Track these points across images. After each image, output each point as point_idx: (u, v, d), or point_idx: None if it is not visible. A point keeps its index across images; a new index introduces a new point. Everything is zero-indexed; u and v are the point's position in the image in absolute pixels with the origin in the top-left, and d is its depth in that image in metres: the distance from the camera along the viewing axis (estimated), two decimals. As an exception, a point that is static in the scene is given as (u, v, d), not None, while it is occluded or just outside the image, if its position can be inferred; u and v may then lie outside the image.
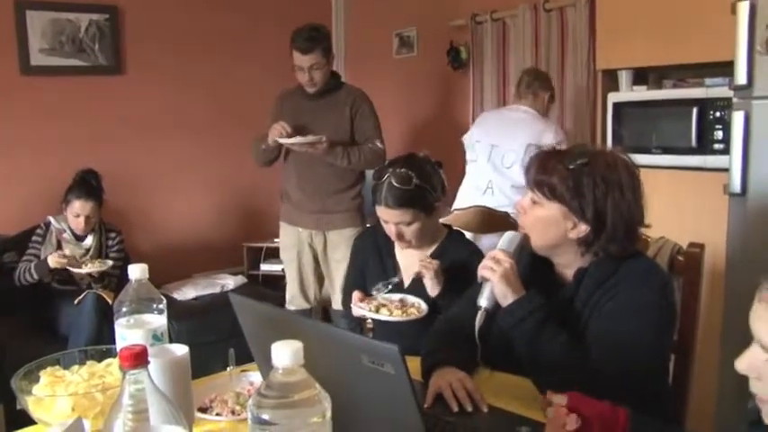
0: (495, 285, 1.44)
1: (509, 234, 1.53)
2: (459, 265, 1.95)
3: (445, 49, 4.09)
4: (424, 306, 1.87)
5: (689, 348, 1.67)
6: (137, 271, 1.30)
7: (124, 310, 1.29)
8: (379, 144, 3.06)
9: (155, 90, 4.17)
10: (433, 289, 1.90)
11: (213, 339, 2.97)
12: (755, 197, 2.15)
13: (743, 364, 0.93)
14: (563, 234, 1.45)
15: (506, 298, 1.43)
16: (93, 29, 3.94)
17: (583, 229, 1.43)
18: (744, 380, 0.97)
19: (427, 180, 1.94)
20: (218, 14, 4.37)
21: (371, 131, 3.08)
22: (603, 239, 1.43)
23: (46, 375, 1.35)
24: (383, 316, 1.84)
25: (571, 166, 1.42)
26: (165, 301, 1.32)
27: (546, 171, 1.45)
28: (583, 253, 1.47)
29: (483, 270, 1.46)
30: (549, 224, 1.45)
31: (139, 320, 1.29)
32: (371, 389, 1.01)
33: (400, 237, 1.97)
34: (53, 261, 3.14)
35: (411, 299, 1.91)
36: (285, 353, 0.76)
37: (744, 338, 0.95)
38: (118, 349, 1.30)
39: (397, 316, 1.83)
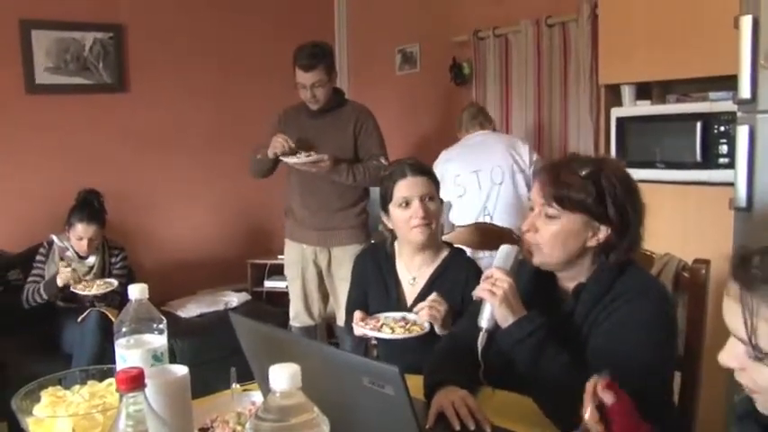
0: (496, 309, 1.42)
1: (505, 249, 1.51)
2: (459, 285, 1.94)
3: (448, 64, 4.11)
4: (426, 325, 1.84)
5: (696, 365, 1.65)
6: (136, 291, 1.29)
7: (124, 330, 1.28)
8: (383, 161, 3.05)
9: (159, 108, 4.20)
10: (441, 330, 1.84)
11: (217, 357, 2.95)
12: (761, 211, 2.13)
13: (724, 356, 0.95)
14: (582, 244, 1.45)
15: (507, 320, 1.42)
16: (97, 47, 3.98)
17: (603, 233, 1.43)
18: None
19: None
20: (221, 32, 4.41)
21: (376, 148, 3.07)
22: (627, 240, 1.43)
23: (47, 395, 1.35)
24: (386, 334, 1.82)
25: (584, 173, 1.42)
26: (165, 321, 1.31)
27: (562, 184, 1.43)
28: (598, 261, 1.46)
29: (482, 292, 1.44)
30: (568, 237, 1.44)
31: (139, 341, 1.28)
32: (372, 410, 1.00)
33: (427, 212, 1.94)
34: (61, 278, 3.13)
35: (412, 316, 1.88)
36: (283, 376, 0.75)
37: None
38: (117, 370, 1.29)
39: (399, 333, 1.81)
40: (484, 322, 1.46)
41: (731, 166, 2.34)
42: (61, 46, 3.87)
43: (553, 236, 1.44)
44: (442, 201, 2.05)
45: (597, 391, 1.10)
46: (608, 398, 1.09)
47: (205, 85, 4.35)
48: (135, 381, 0.80)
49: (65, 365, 3.00)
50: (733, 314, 0.91)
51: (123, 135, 4.09)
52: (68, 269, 3.13)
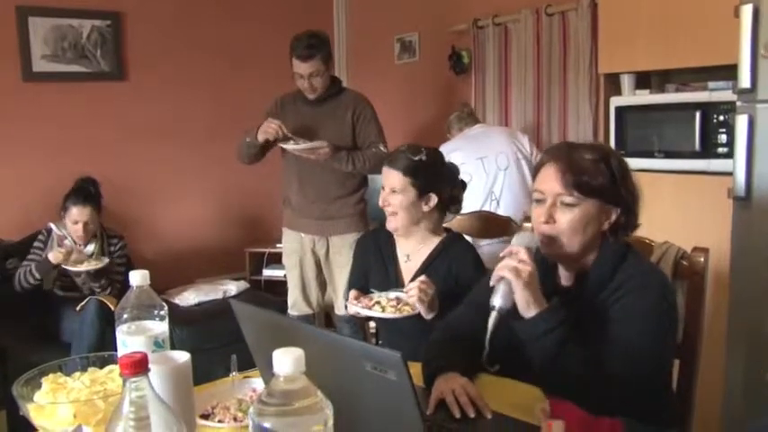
0: (519, 292, 1.37)
1: (527, 234, 1.49)
2: (453, 269, 2.00)
3: (447, 53, 4.09)
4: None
5: (694, 352, 1.66)
6: (137, 277, 1.29)
7: (125, 316, 1.28)
8: (382, 148, 3.05)
9: (156, 96, 4.18)
10: (428, 314, 1.87)
11: (216, 345, 2.97)
12: (760, 200, 2.13)
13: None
14: (599, 229, 1.46)
15: (529, 307, 1.37)
16: (95, 35, 3.96)
17: (615, 216, 1.46)
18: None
19: (432, 165, 2.08)
20: (219, 21, 4.39)
21: (374, 136, 3.07)
22: (632, 219, 1.47)
23: (48, 382, 1.34)
24: (376, 313, 1.86)
25: (593, 157, 1.44)
26: (166, 308, 1.31)
27: (580, 170, 1.43)
28: (606, 245, 1.47)
29: (504, 271, 1.38)
30: (588, 223, 1.44)
31: (141, 327, 1.28)
32: (373, 395, 1.01)
33: (385, 203, 2.05)
34: (54, 257, 3.13)
35: (404, 296, 1.91)
36: (286, 360, 0.75)
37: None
38: (119, 356, 1.29)
39: (390, 313, 1.84)
40: (498, 300, 1.39)
41: (730, 155, 2.34)
42: (58, 33, 3.85)
43: (572, 224, 1.44)
44: (428, 198, 2.06)
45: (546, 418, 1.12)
46: (559, 427, 1.11)
47: (203, 74, 4.34)
48: (139, 365, 0.80)
49: (64, 354, 2.94)
50: None
51: (121, 124, 4.07)
52: (64, 251, 3.13)
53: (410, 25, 4.46)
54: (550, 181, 1.45)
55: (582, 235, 1.44)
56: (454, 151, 3.31)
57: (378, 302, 1.89)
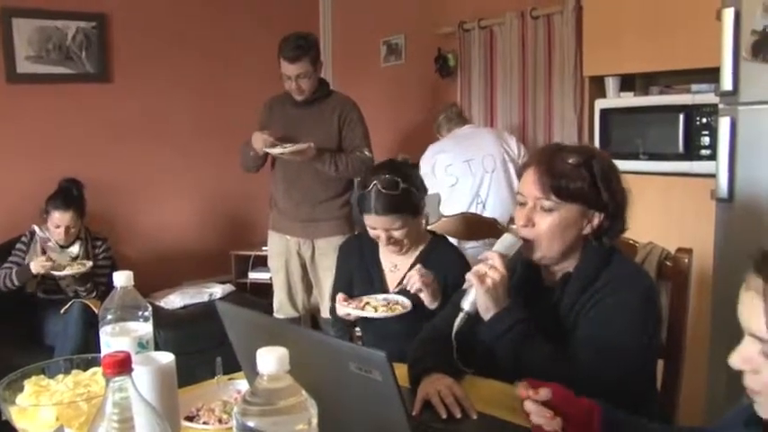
0: (480, 296, 1.42)
1: (509, 238, 1.49)
2: (442, 270, 1.96)
3: (433, 56, 4.10)
4: (408, 303, 1.87)
5: (678, 353, 1.68)
6: (122, 278, 1.28)
7: (109, 317, 1.27)
8: (367, 152, 3.05)
9: (142, 97, 4.16)
10: (432, 303, 1.88)
11: (201, 348, 2.95)
12: (742, 202, 2.16)
13: (736, 359, 0.90)
14: (579, 233, 1.46)
15: (488, 311, 1.42)
16: (80, 36, 3.93)
17: (596, 219, 1.45)
18: (733, 382, 0.95)
19: (411, 182, 1.99)
20: (205, 22, 4.37)
21: (359, 140, 3.07)
22: (618, 224, 1.46)
23: (30, 385, 1.33)
24: (368, 312, 1.84)
25: (576, 161, 1.43)
26: (150, 309, 1.31)
27: (559, 174, 1.43)
28: (585, 249, 1.47)
29: (472, 276, 1.43)
30: (567, 227, 1.44)
31: (124, 328, 1.27)
32: (359, 395, 1.00)
33: (391, 241, 1.98)
34: (36, 266, 3.11)
35: (394, 297, 1.92)
36: (270, 359, 0.74)
37: (732, 341, 0.94)
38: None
39: (381, 312, 1.83)
40: (466, 305, 1.45)
41: (713, 157, 2.36)
42: (43, 35, 3.82)
43: (551, 228, 1.44)
44: (421, 208, 2.03)
45: (532, 396, 1.11)
46: (545, 393, 1.11)
47: (189, 76, 4.32)
48: (122, 364, 0.79)
49: (47, 358, 2.92)
50: (752, 309, 0.87)
51: (106, 125, 4.05)
52: (44, 259, 3.11)
53: (396, 28, 4.47)
54: (530, 185, 1.46)
55: (561, 239, 1.45)
56: (441, 153, 3.33)
57: (367, 303, 1.88)
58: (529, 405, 1.11)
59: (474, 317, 1.45)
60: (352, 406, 1.02)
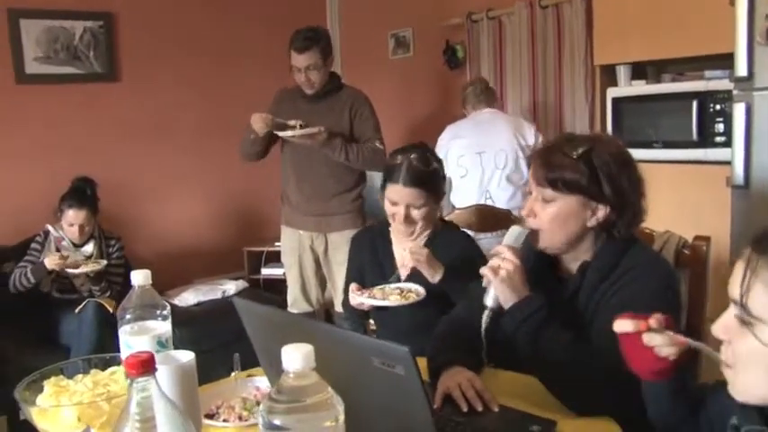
0: (496, 288, 1.43)
1: (515, 229, 1.50)
2: (454, 253, 1.96)
3: (441, 48, 4.08)
4: (422, 290, 1.87)
5: (698, 338, 1.66)
6: (140, 277, 1.28)
7: (128, 317, 1.27)
8: (378, 144, 3.04)
9: (151, 96, 4.16)
10: (433, 276, 1.88)
11: (216, 345, 2.95)
12: (758, 189, 2.14)
13: (718, 327, 0.93)
14: (582, 225, 1.44)
15: (508, 301, 1.42)
16: (87, 36, 3.93)
17: (602, 212, 1.43)
18: None
19: (441, 165, 2.02)
20: (212, 19, 4.36)
21: (371, 133, 3.05)
22: (627, 216, 1.43)
23: (50, 385, 1.34)
24: (383, 301, 1.84)
25: (576, 154, 1.41)
26: (168, 307, 1.31)
27: (555, 166, 1.43)
28: (600, 239, 1.46)
29: (486, 270, 1.43)
30: (568, 218, 1.44)
31: (144, 327, 1.27)
32: (381, 391, 1.00)
33: (408, 219, 1.96)
34: (50, 262, 3.11)
35: (408, 285, 1.91)
36: (296, 356, 0.74)
37: None
38: (122, 357, 1.28)
39: (395, 300, 1.83)
40: (489, 300, 1.46)
41: (728, 144, 2.34)
42: (51, 35, 3.82)
43: (552, 219, 1.44)
44: (442, 196, 2.03)
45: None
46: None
47: (197, 74, 4.31)
48: (146, 365, 0.79)
49: (63, 358, 2.93)
50: (735, 275, 0.90)
51: (115, 125, 4.05)
52: (61, 261, 3.12)
53: (404, 20, 4.45)
54: (531, 176, 1.48)
55: (563, 229, 1.45)
56: (456, 138, 3.29)
57: (382, 290, 1.88)
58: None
59: (498, 312, 1.45)
60: (374, 401, 1.01)
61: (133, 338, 1.24)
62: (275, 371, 1.18)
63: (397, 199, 1.95)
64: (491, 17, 3.79)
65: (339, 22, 4.95)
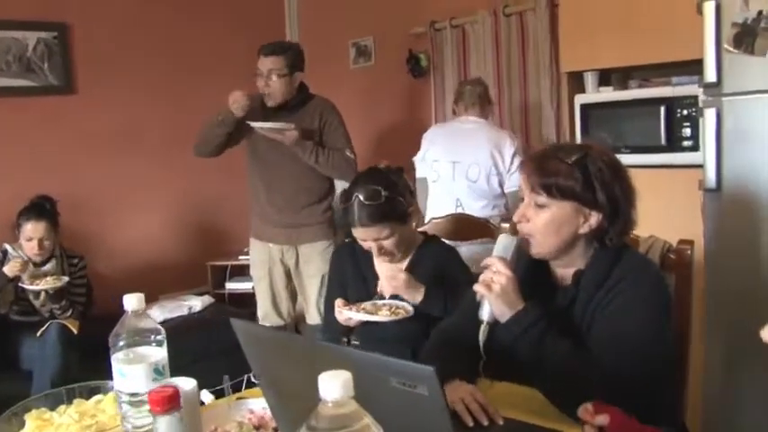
0: (491, 303, 1.42)
1: (505, 239, 1.49)
2: (438, 268, 1.97)
3: (404, 57, 4.09)
4: (410, 307, 1.86)
5: (685, 344, 1.68)
6: (133, 301, 1.22)
7: (120, 344, 1.21)
8: (349, 153, 3.02)
9: (109, 108, 4.05)
10: (414, 298, 1.88)
11: (185, 362, 2.82)
12: (730, 192, 2.18)
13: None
14: (575, 231, 1.44)
15: (504, 315, 1.41)
16: (41, 47, 3.80)
17: (595, 219, 1.43)
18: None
19: (394, 189, 1.94)
20: (171, 29, 4.28)
21: (342, 142, 3.03)
22: (618, 224, 1.44)
23: (32, 419, 1.28)
24: (371, 316, 1.81)
25: (570, 161, 1.42)
26: (164, 332, 1.25)
27: (549, 172, 1.43)
28: (592, 247, 1.47)
29: (480, 287, 1.43)
30: (561, 224, 1.44)
31: (138, 354, 1.21)
32: (399, 411, 0.97)
33: (382, 251, 1.96)
34: (10, 269, 2.98)
35: (395, 302, 1.89)
36: (335, 385, 0.71)
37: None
38: (114, 386, 1.22)
39: (384, 315, 1.81)
40: (485, 315, 1.45)
41: (695, 148, 2.39)
42: (2, 46, 3.69)
43: (545, 225, 1.44)
44: (409, 215, 1.99)
45: (591, 419, 1.14)
46: (602, 419, 1.14)
47: (157, 84, 4.22)
48: (171, 401, 0.75)
49: (25, 384, 2.85)
50: None
51: (73, 138, 3.93)
52: (20, 261, 3.00)
53: (365, 29, 4.44)
54: (524, 181, 1.48)
55: (555, 235, 1.44)
56: (434, 144, 3.27)
57: (373, 305, 1.86)
58: (588, 430, 1.14)
59: (494, 325, 1.45)
60: (393, 422, 0.98)
61: (128, 367, 1.18)
62: (275, 393, 1.15)
63: (363, 237, 1.95)
64: (454, 25, 3.81)
65: (298, 29, 4.90)
